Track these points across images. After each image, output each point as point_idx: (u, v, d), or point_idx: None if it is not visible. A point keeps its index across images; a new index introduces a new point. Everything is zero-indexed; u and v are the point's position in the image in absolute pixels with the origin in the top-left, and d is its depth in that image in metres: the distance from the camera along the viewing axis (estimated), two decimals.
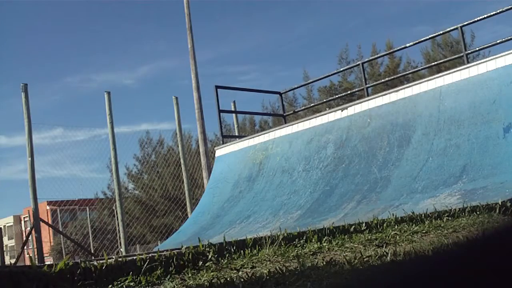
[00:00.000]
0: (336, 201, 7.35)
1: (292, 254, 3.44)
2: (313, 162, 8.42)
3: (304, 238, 4.01)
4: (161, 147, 21.55)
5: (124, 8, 69.65)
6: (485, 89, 6.84)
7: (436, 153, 6.86)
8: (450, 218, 4.57)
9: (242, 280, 2.74)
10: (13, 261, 18.06)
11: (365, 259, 2.96)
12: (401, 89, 8.00)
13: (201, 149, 13.06)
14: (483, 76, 6.93)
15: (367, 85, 11.04)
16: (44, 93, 73.76)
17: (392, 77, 13.25)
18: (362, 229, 4.35)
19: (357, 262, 2.90)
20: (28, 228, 15.68)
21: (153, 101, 66.98)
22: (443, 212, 4.80)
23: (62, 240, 27.56)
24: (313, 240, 3.94)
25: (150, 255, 3.42)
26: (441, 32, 10.67)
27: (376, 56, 19.77)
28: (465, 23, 9.07)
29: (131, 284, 3.08)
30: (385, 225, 4.45)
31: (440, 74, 7.64)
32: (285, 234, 4.01)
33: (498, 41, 8.93)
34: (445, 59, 14.53)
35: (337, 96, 16.05)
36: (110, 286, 3.05)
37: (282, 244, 3.76)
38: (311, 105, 17.60)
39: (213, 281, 2.86)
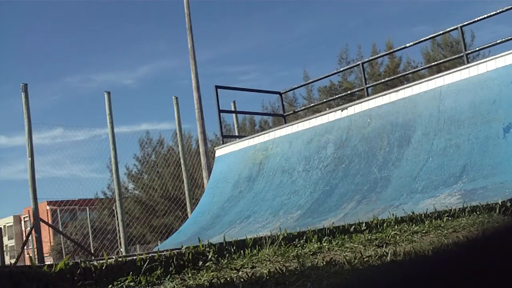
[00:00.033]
0: (336, 201, 7.35)
1: (292, 254, 3.44)
2: (313, 162, 8.42)
3: (304, 238, 4.01)
4: (161, 147, 21.57)
5: (124, 8, 69.70)
6: (485, 89, 6.84)
7: (436, 153, 6.86)
8: (450, 218, 4.57)
9: (242, 280, 2.74)
10: (13, 261, 18.06)
11: (365, 259, 2.96)
12: (401, 89, 8.00)
13: (201, 149, 13.06)
14: (483, 76, 6.93)
15: (367, 85, 11.04)
16: (44, 93, 73.81)
17: (392, 77, 13.25)
18: (362, 229, 4.35)
19: (357, 262, 2.90)
20: (28, 228, 15.69)
21: (153, 101, 67.03)
22: (443, 212, 4.80)
23: (62, 240, 27.56)
24: (313, 240, 3.94)
25: (150, 255, 3.42)
26: (441, 32, 10.67)
27: (376, 56, 19.78)
28: (465, 23, 9.07)
29: (131, 284, 3.08)
30: (385, 225, 4.45)
31: (440, 74, 7.64)
32: (285, 234, 4.01)
33: (498, 41, 8.93)
34: (445, 59, 14.53)
35: (337, 96, 16.05)
36: (110, 286, 3.05)
37: (282, 244, 3.76)
38: (311, 105, 17.60)
39: (213, 281, 2.86)
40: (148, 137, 20.75)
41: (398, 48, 11.73)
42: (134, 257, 3.35)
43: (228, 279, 2.85)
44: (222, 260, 3.46)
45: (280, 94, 12.57)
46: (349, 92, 16.44)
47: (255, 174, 9.24)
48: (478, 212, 4.68)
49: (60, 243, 29.26)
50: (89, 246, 18.88)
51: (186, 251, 3.49)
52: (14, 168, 78.46)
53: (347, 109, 8.57)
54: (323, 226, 4.36)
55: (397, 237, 3.86)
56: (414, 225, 4.37)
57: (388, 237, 3.89)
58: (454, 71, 7.36)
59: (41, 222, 11.04)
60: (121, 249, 11.50)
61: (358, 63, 12.64)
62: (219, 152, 10.43)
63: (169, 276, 3.21)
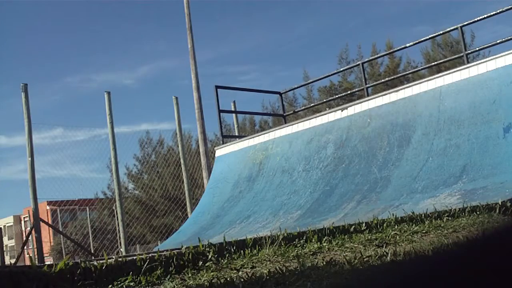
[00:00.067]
0: (336, 201, 7.35)
1: (292, 254, 3.44)
2: (313, 162, 8.42)
3: (304, 238, 4.01)
4: (161, 147, 21.57)
5: (124, 8, 69.71)
6: (485, 89, 6.84)
7: (436, 153, 6.86)
8: (450, 218, 4.57)
9: (242, 280, 2.74)
10: (13, 261, 18.06)
11: (365, 259, 2.96)
12: (401, 89, 8.00)
13: (201, 149, 13.06)
14: (483, 76, 6.93)
15: (367, 85, 11.04)
16: (44, 93, 73.81)
17: (392, 77, 13.25)
18: (362, 229, 4.35)
19: (357, 262, 2.90)
20: (28, 228, 15.69)
21: (153, 101, 67.03)
22: (443, 212, 4.80)
23: (62, 240, 27.56)
24: (313, 240, 3.94)
25: (150, 255, 3.42)
26: (441, 32, 10.67)
27: (376, 56, 19.77)
28: (465, 23, 9.07)
29: (131, 284, 3.08)
30: (385, 225, 4.45)
31: (440, 74, 7.64)
32: (285, 234, 4.01)
33: (498, 41, 8.93)
34: (445, 59, 14.53)
35: (337, 96, 16.05)
36: (110, 286, 3.05)
37: (282, 244, 3.76)
38: (311, 105, 17.60)
39: (213, 281, 2.86)
40: (148, 137, 20.77)
41: (398, 48, 11.73)
42: (134, 257, 3.35)
43: (228, 279, 2.85)
44: (222, 260, 3.46)
45: (280, 94, 12.57)
46: (349, 92, 16.44)
47: (255, 174, 9.24)
48: (478, 212, 4.68)
49: (60, 243, 29.26)
50: (89, 246, 18.88)
51: (186, 251, 3.49)
52: (14, 168, 78.51)
53: (347, 109, 8.57)
54: (323, 226, 4.36)
55: (397, 237, 3.86)
56: (414, 225, 4.37)
57: (388, 237, 3.89)
58: (454, 71, 7.36)
59: (41, 222, 11.04)
60: (121, 249, 11.50)
61: (358, 63, 12.64)
62: (219, 152, 10.43)
63: (169, 276, 3.21)
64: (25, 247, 12.84)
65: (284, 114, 12.59)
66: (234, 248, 3.69)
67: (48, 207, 28.74)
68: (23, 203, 62.35)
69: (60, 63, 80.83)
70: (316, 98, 24.67)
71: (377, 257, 2.99)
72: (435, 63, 13.30)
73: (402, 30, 47.55)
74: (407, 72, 18.16)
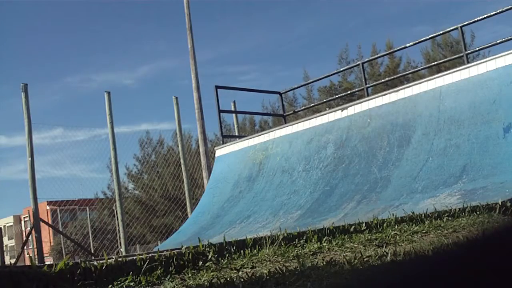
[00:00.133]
0: (336, 201, 7.35)
1: (292, 254, 3.44)
2: (313, 162, 8.42)
3: (304, 238, 4.01)
4: (161, 147, 21.56)
5: (124, 8, 69.71)
6: (485, 89, 6.84)
7: (436, 153, 6.86)
8: (450, 218, 4.57)
9: (242, 280, 2.74)
10: (13, 261, 18.06)
11: (365, 259, 2.96)
12: (401, 89, 8.00)
13: (201, 149, 13.06)
14: (483, 76, 6.93)
15: (367, 85, 11.04)
16: (44, 93, 73.82)
17: (392, 77, 13.25)
18: (362, 229, 4.35)
19: (357, 262, 2.90)
20: (28, 228, 15.69)
21: (153, 101, 67.03)
22: (443, 212, 4.80)
23: (62, 240, 27.56)
24: (313, 240, 3.94)
25: (150, 255, 3.42)
26: (441, 32, 10.67)
27: (376, 56, 19.77)
28: (465, 23, 9.07)
29: (131, 284, 3.08)
30: (385, 225, 4.45)
31: (440, 74, 7.64)
32: (285, 234, 4.01)
33: (498, 41, 8.93)
34: (445, 59, 14.53)
35: (337, 96, 16.05)
36: (110, 286, 3.05)
37: (282, 244, 3.76)
38: (311, 105, 17.60)
39: (213, 281, 2.86)
40: (148, 137, 20.77)
41: (398, 48, 11.73)
42: (134, 257, 3.36)
43: (228, 279, 2.85)
44: (222, 260, 3.46)
45: (280, 94, 12.57)
46: (349, 92, 16.44)
47: (255, 174, 9.24)
48: (478, 212, 4.68)
49: (60, 243, 29.26)
50: (89, 246, 18.88)
51: (186, 251, 3.49)
52: (14, 168, 78.51)
53: (347, 109, 8.57)
54: (323, 226, 4.36)
55: (397, 237, 3.86)
56: (414, 225, 4.37)
57: (388, 237, 3.89)
58: (454, 71, 7.36)
59: (41, 222, 11.04)
60: (121, 249, 11.50)
61: (358, 63, 12.64)
62: (219, 152, 10.43)
63: (169, 276, 3.21)
64: (25, 247, 12.84)
65: (284, 114, 12.59)
66: (234, 248, 3.69)
67: (48, 207, 28.74)
68: (23, 203, 62.39)
69: (60, 63, 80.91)
70: (316, 98, 24.67)
71: (377, 257, 2.99)
72: (435, 63, 13.31)
73: (402, 30, 47.60)
74: (407, 72, 18.16)
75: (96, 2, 68.52)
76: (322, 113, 9.14)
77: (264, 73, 64.71)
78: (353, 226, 4.41)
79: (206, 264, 3.39)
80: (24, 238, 14.99)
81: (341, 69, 20.05)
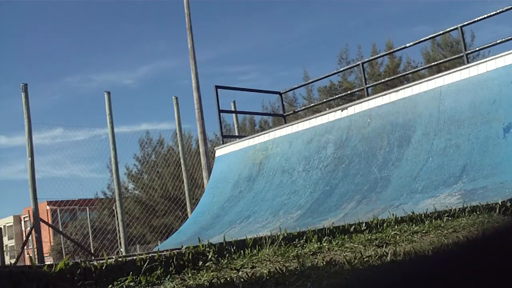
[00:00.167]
0: (336, 201, 7.35)
1: (292, 254, 3.44)
2: (313, 162, 8.42)
3: (304, 238, 4.01)
4: (161, 147, 21.56)
5: (124, 8, 69.72)
6: (485, 89, 6.84)
7: (436, 153, 6.86)
8: (450, 218, 4.57)
9: (242, 280, 2.74)
10: (13, 261, 18.06)
11: (365, 259, 2.96)
12: (401, 89, 8.00)
13: (201, 149, 13.06)
14: (483, 76, 6.93)
15: (367, 85, 11.04)
16: (44, 93, 73.82)
17: (392, 77, 13.24)
18: (362, 229, 4.35)
19: (357, 262, 2.90)
20: (28, 228, 15.69)
21: (153, 101, 67.04)
22: (443, 212, 4.80)
23: (62, 240, 27.56)
24: (313, 240, 3.94)
25: (150, 255, 3.42)
26: (441, 32, 10.67)
27: (376, 56, 19.77)
28: (465, 23, 9.07)
29: (131, 284, 3.08)
30: (385, 225, 4.45)
31: (440, 74, 7.64)
32: (285, 234, 4.01)
33: (498, 41, 8.93)
34: (445, 59, 14.53)
35: (337, 96, 16.05)
36: (110, 286, 3.05)
37: (282, 244, 3.76)
38: (311, 105, 17.59)
39: (213, 281, 2.86)
40: (148, 137, 20.77)
41: (398, 48, 11.73)
42: (134, 257, 3.36)
43: (228, 279, 2.85)
44: (222, 260, 3.46)
45: (280, 94, 12.57)
46: (349, 92, 16.44)
47: (255, 174, 9.24)
48: (478, 212, 4.68)
49: (60, 243, 29.26)
50: (89, 246, 18.88)
51: (186, 251, 3.49)
52: (14, 168, 78.50)
53: (347, 109, 8.57)
54: (323, 226, 4.36)
55: (397, 237, 3.86)
56: (414, 225, 4.37)
57: (388, 237, 3.89)
58: (454, 71, 7.36)
59: (41, 222, 11.04)
60: (121, 249, 11.50)
61: (358, 63, 12.64)
62: (219, 152, 10.43)
63: (169, 276, 3.21)
64: (25, 247, 12.84)
65: (284, 114, 12.59)
66: (234, 248, 3.69)
67: (48, 207, 28.74)
68: (23, 203, 62.38)
69: (60, 63, 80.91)
70: (316, 98, 24.67)
71: (377, 257, 2.99)
72: (435, 63, 13.30)
73: (402, 30, 47.60)
74: (407, 72, 18.15)
75: (96, 2, 68.57)
76: (322, 113, 9.14)
77: (264, 73, 64.76)
78: (353, 226, 4.41)
79: (206, 264, 3.39)
80: (24, 238, 14.99)
81: (341, 69, 20.05)
